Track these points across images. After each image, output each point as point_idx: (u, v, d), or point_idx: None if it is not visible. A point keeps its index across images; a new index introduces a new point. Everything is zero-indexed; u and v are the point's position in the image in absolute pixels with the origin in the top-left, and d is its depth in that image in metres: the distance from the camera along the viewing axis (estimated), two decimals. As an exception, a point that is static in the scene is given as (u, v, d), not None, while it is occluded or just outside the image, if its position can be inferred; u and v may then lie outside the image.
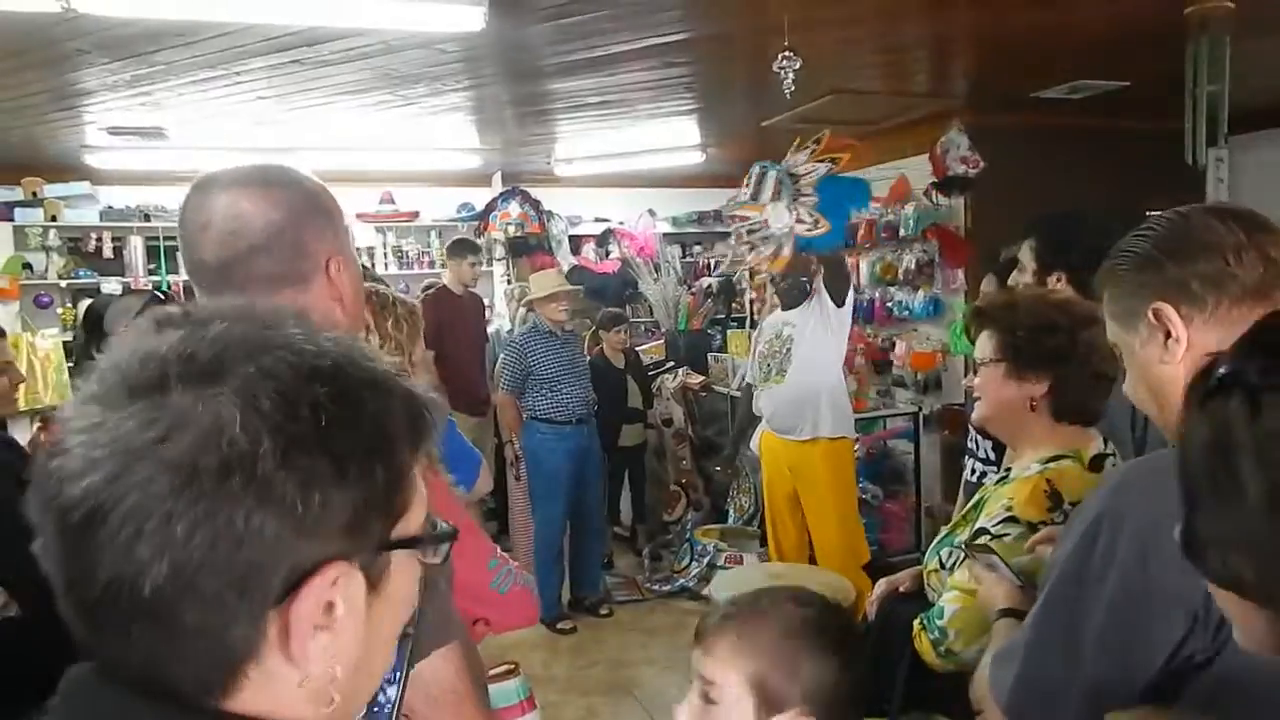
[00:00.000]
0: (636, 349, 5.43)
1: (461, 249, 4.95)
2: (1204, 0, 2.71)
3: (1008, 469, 1.61)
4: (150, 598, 0.47)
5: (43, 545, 0.50)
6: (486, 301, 6.50)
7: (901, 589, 1.79)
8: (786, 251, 3.40)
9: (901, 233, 5.49)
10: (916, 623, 1.52)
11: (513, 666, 1.48)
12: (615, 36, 3.43)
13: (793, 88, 3.12)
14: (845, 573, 3.26)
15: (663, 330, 6.60)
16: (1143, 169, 5.11)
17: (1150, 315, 1.01)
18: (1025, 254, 2.14)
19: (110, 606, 0.48)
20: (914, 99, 4.74)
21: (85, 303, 5.84)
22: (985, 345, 1.59)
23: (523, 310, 5.10)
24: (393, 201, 6.67)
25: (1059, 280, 2.08)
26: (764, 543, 4.78)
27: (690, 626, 4.28)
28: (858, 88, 4.39)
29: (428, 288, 5.30)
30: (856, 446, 4.02)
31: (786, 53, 3.09)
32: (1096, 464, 1.51)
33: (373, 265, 6.63)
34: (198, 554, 0.47)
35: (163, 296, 2.73)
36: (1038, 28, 3.44)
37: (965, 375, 4.10)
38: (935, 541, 1.66)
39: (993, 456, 2.52)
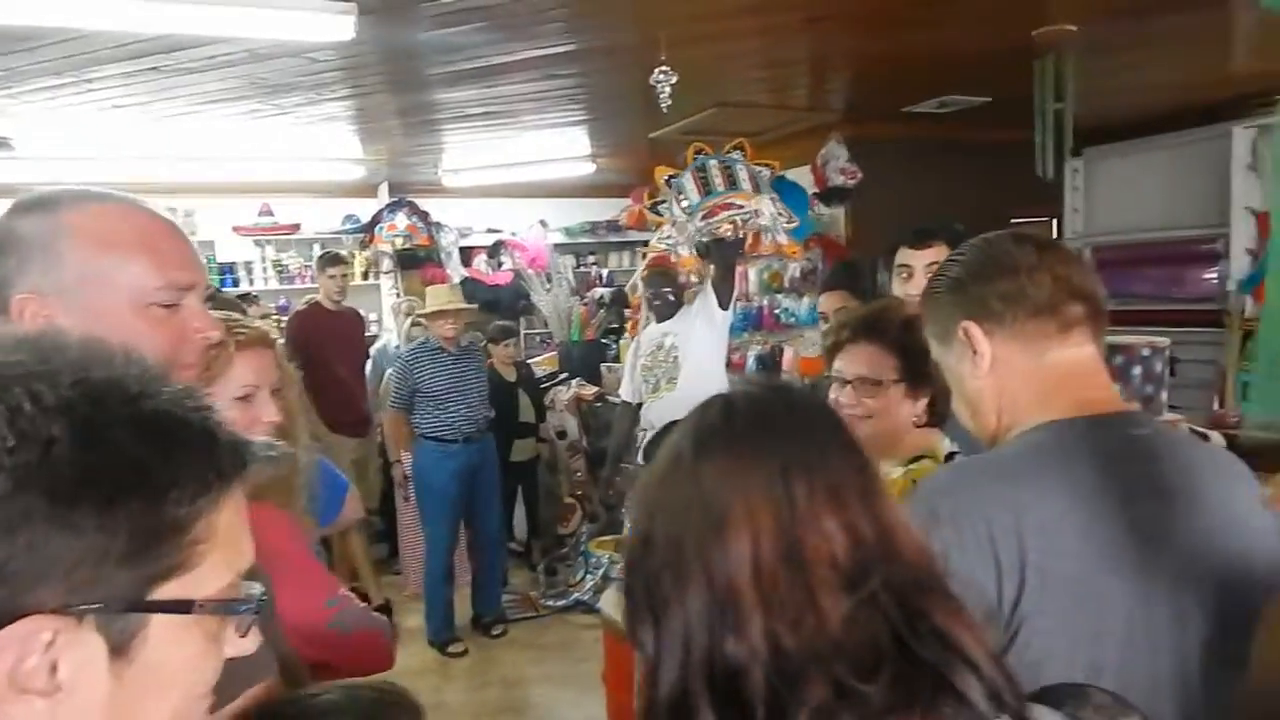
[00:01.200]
0: (529, 361, 5.38)
1: (323, 262, 4.78)
2: (1049, 24, 2.89)
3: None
4: None
5: None
6: (373, 316, 6.33)
7: None
8: (783, 239, 3.51)
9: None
10: None
11: None
12: (497, 48, 3.39)
13: (670, 102, 3.15)
14: None
15: (556, 342, 6.56)
16: (1008, 178, 5.40)
17: (960, 333, 1.09)
18: (915, 257, 2.20)
19: None
20: (795, 112, 4.87)
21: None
22: (877, 365, 1.57)
23: (408, 324, 4.98)
24: (271, 214, 6.41)
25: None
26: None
27: (585, 641, 4.27)
28: (741, 101, 4.48)
29: (305, 302, 5.11)
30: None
31: (663, 67, 3.11)
32: (949, 460, 1.58)
33: (251, 280, 6.36)
34: None
35: None
36: (906, 46, 3.58)
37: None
38: None
39: None
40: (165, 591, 0.50)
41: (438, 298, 4.30)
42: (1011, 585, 0.93)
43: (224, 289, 6.13)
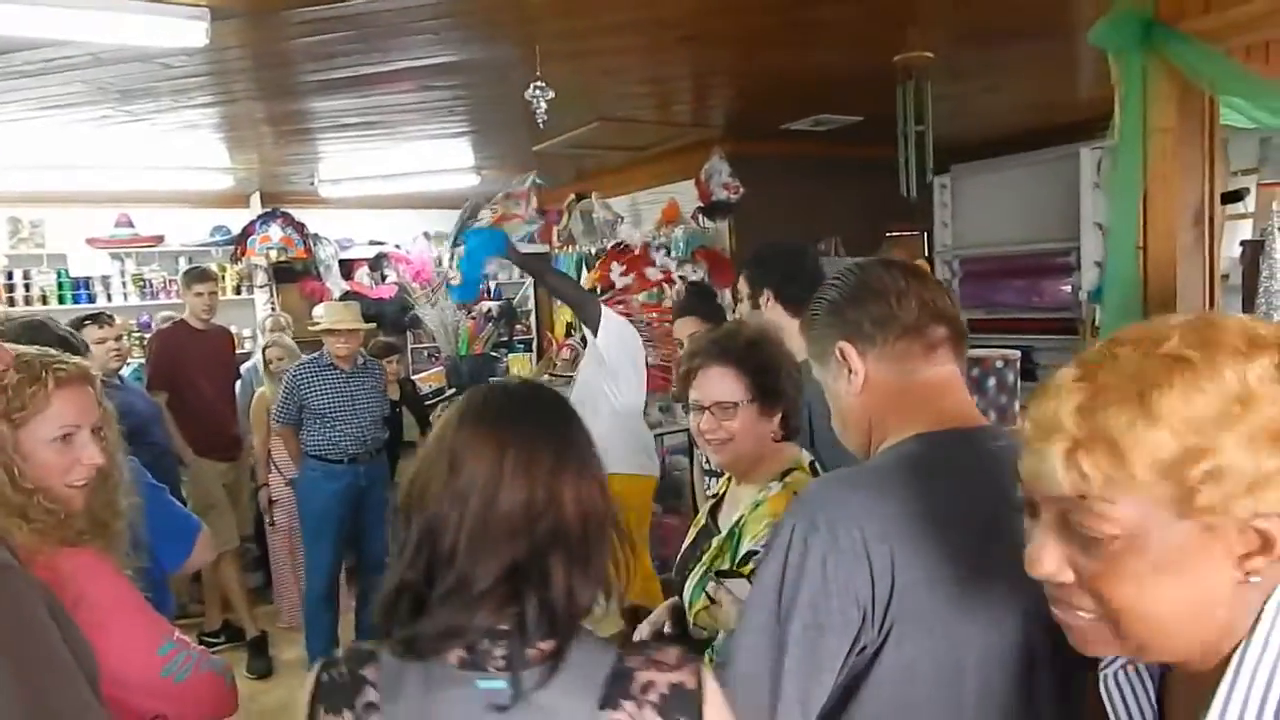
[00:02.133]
0: (413, 378, 5.23)
1: (189, 278, 4.51)
2: (908, 50, 3.01)
3: (758, 501, 1.62)
4: None
5: None
6: (246, 332, 6.04)
7: (666, 630, 1.75)
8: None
9: (672, 254, 5.68)
10: (707, 660, 1.48)
11: None
12: (368, 57, 3.28)
13: (545, 117, 3.12)
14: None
15: (444, 356, 6.42)
16: (881, 194, 5.60)
17: (837, 353, 1.16)
18: (741, 285, 2.33)
19: None
20: (678, 128, 4.93)
21: None
22: (731, 387, 1.60)
23: (264, 341, 4.76)
24: (131, 224, 6.01)
25: (768, 300, 2.27)
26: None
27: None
28: (622, 116, 4.49)
29: (165, 320, 4.83)
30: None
31: (539, 82, 3.09)
32: (813, 470, 1.65)
33: (109, 296, 5.96)
34: None
35: None
36: (781, 66, 3.67)
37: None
38: (697, 578, 1.64)
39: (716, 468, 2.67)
40: None
41: (332, 315, 4.13)
42: (883, 588, 0.98)
43: (78, 304, 5.73)
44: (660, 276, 4.09)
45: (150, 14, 2.50)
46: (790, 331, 2.05)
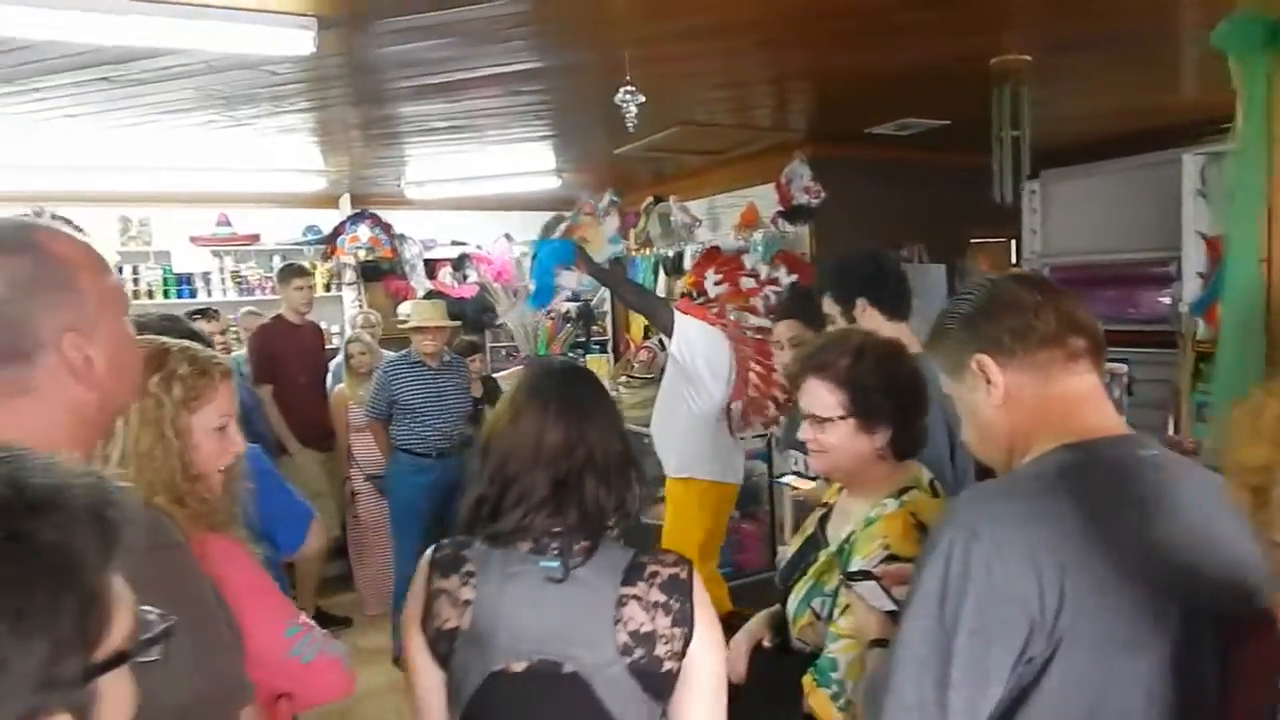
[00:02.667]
0: (494, 376, 5.33)
1: (287, 274, 4.70)
2: (1005, 53, 2.94)
3: (870, 519, 1.56)
4: None
5: None
6: (334, 329, 6.25)
7: (766, 643, 1.73)
8: None
9: (751, 258, 5.65)
10: (807, 679, 1.48)
11: None
12: (462, 64, 3.37)
13: (635, 121, 3.15)
14: None
15: (522, 355, 6.52)
16: (967, 200, 5.48)
17: (974, 366, 1.17)
18: (828, 306, 2.28)
19: None
20: (758, 131, 4.90)
21: None
22: (825, 402, 1.57)
23: (348, 338, 4.91)
24: (229, 224, 6.30)
25: (864, 309, 2.22)
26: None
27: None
28: (703, 120, 4.50)
29: (249, 313, 5.02)
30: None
31: (628, 87, 3.12)
32: (934, 489, 1.60)
33: (209, 291, 6.25)
34: None
35: None
36: (865, 68, 3.62)
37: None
38: (803, 592, 1.61)
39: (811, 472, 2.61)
40: (103, 651, 0.53)
41: (421, 313, 4.25)
42: (1053, 597, 0.97)
43: (181, 298, 6.02)
44: (753, 286, 4.04)
45: (262, 24, 2.62)
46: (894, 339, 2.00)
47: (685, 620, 1.25)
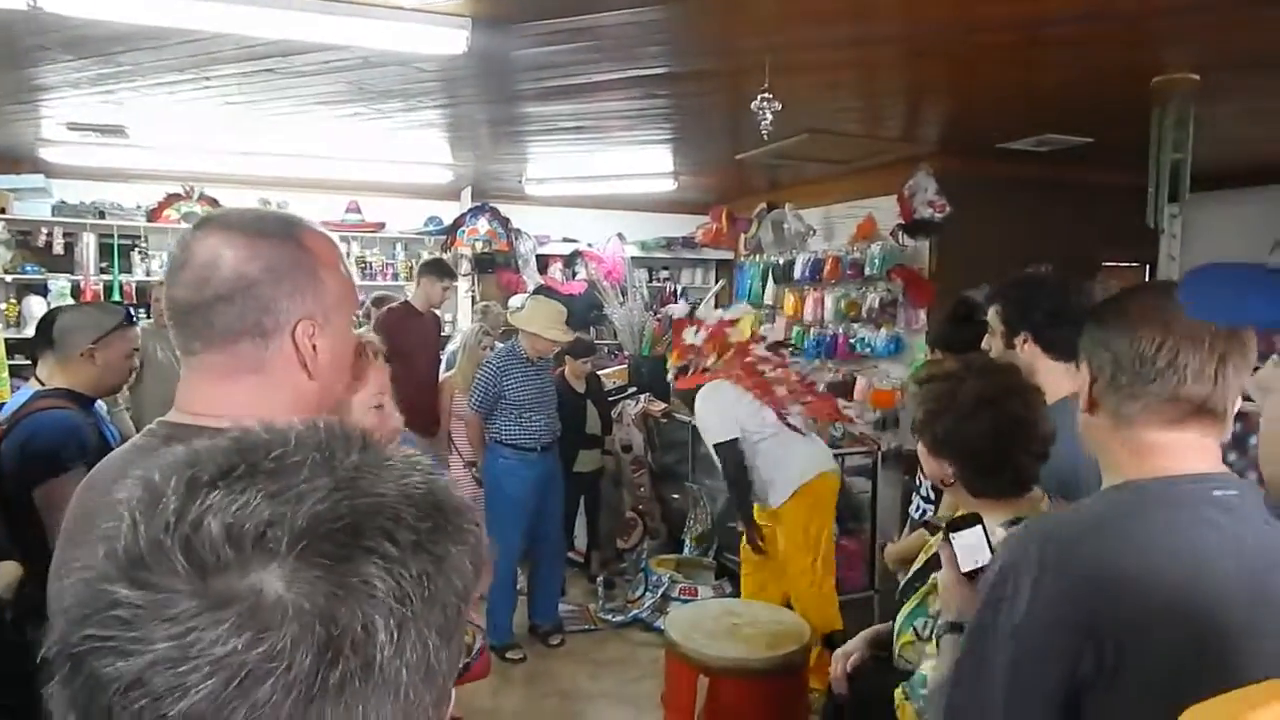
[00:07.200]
0: (598, 373, 5.39)
1: (440, 271, 4.84)
2: (1171, 72, 2.79)
3: None
4: None
5: None
6: (448, 318, 6.43)
7: (856, 659, 1.76)
8: None
9: (867, 271, 5.56)
10: (899, 693, 1.49)
11: None
12: (597, 67, 3.43)
13: (771, 129, 3.13)
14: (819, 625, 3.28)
15: (626, 355, 6.57)
16: (1102, 222, 5.26)
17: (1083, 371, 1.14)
18: (992, 319, 2.17)
19: None
20: (886, 142, 4.81)
21: (30, 299, 5.67)
22: (933, 468, 1.62)
23: (475, 328, 5.01)
24: (359, 211, 6.57)
25: (1025, 341, 2.10)
26: (719, 575, 4.77)
27: (642, 659, 4.23)
28: (832, 129, 4.44)
29: (377, 301, 5.19)
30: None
31: (766, 94, 3.11)
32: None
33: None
34: None
35: (132, 319, 2.53)
36: (1010, 83, 3.52)
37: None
38: (906, 613, 1.63)
39: (932, 496, 2.56)
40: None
41: (549, 324, 4.23)
42: (1108, 618, 0.97)
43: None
44: (739, 340, 4.09)
45: (422, 23, 2.73)
46: (1047, 375, 1.91)
47: None
